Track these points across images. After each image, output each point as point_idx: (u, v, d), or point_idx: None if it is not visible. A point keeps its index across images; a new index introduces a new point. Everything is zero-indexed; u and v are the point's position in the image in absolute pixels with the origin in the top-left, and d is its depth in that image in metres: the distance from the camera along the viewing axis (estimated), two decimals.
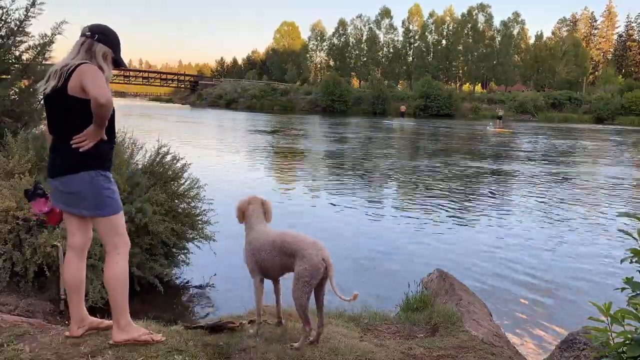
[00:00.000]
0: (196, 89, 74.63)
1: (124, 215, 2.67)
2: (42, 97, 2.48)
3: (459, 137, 28.70)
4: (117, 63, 2.61)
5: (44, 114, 5.93)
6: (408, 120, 44.73)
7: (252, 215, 3.01)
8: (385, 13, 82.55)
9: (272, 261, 2.84)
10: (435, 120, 47.41)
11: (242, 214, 3.02)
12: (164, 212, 4.88)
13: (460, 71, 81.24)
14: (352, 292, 2.69)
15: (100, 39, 2.48)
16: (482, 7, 78.58)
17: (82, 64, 2.37)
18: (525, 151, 21.12)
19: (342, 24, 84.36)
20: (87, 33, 2.47)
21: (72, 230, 2.61)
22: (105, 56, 2.50)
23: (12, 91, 5.61)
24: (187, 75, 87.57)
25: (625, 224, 8.02)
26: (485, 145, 23.81)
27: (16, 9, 5.50)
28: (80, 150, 2.38)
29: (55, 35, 5.69)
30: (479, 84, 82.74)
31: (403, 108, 49.42)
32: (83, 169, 2.42)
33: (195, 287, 5.32)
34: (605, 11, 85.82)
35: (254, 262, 2.90)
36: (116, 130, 2.66)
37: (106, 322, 2.81)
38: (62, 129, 2.44)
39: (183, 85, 78.64)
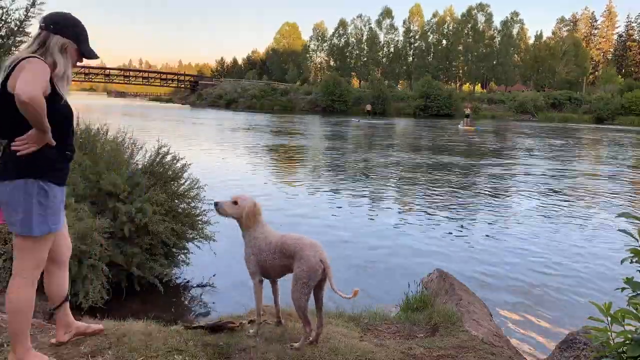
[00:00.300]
0: (196, 89, 74.67)
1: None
2: None
3: (418, 135, 29.57)
4: (84, 54, 2.34)
5: None
6: (372, 118, 46.70)
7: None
8: (387, 13, 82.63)
9: (272, 262, 2.84)
10: (423, 120, 47.38)
11: (244, 217, 2.89)
12: (164, 212, 4.88)
13: (460, 71, 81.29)
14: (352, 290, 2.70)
15: (57, 30, 2.20)
16: (481, 7, 78.66)
17: (26, 57, 2.10)
18: (482, 147, 21.16)
19: (342, 24, 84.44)
20: (41, 24, 2.20)
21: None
22: (64, 49, 2.22)
23: None
24: (187, 75, 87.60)
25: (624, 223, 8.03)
26: (432, 141, 24.61)
27: (16, 9, 5.50)
28: (18, 154, 2.08)
29: None
30: (479, 84, 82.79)
31: (369, 107, 51.83)
32: (19, 176, 2.13)
33: (195, 287, 5.32)
34: (605, 11, 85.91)
35: (255, 263, 2.89)
36: (74, 140, 2.39)
37: (93, 326, 2.76)
38: (2, 130, 2.18)
39: (183, 85, 78.68)
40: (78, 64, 2.38)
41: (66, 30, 2.23)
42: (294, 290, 2.71)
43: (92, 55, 2.38)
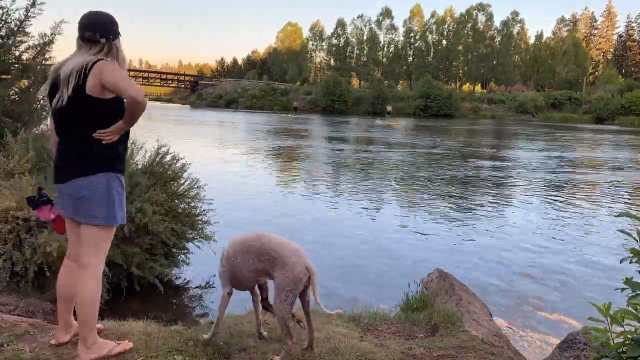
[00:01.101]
0: (196, 89, 74.65)
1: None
2: (45, 98, 2.35)
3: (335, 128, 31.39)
4: None
5: (44, 114, 5.98)
6: (300, 114, 49.31)
7: None
8: (387, 13, 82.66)
9: (246, 267, 2.64)
10: (424, 119, 47.42)
11: None
12: (164, 212, 4.88)
13: (460, 71, 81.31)
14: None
15: (115, 37, 2.35)
16: (481, 7, 78.67)
17: (98, 61, 2.24)
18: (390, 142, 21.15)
19: (340, 24, 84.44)
20: (101, 40, 2.29)
21: (75, 239, 2.45)
22: (121, 47, 2.40)
23: (12, 91, 5.62)
24: (187, 75, 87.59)
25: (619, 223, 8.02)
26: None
27: (16, 9, 5.51)
28: (104, 142, 2.27)
29: (54, 35, 5.70)
30: (479, 84, 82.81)
31: (295, 104, 54.47)
32: (100, 170, 2.29)
33: (195, 287, 5.32)
34: (605, 11, 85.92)
35: (228, 269, 2.70)
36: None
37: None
38: (76, 131, 2.30)
39: (183, 85, 78.68)
40: None
41: (116, 32, 2.37)
42: (277, 299, 2.51)
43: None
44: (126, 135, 2.45)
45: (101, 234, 2.36)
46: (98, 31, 2.29)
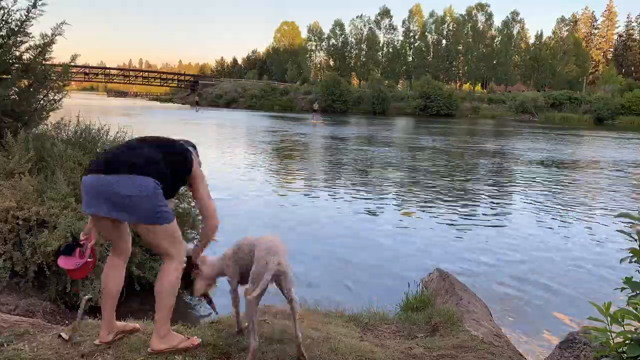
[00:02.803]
0: (196, 88, 74.67)
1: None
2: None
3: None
4: None
5: (44, 114, 5.98)
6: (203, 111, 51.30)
7: None
8: (385, 13, 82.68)
9: (245, 261, 2.74)
10: (425, 119, 47.39)
11: None
12: None
13: (460, 71, 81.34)
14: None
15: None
16: (481, 7, 78.70)
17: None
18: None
19: (338, 24, 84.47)
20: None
21: (119, 235, 2.55)
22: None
23: (13, 91, 5.62)
24: (187, 75, 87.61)
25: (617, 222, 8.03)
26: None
27: (17, 10, 5.51)
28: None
29: (55, 35, 5.70)
30: (479, 84, 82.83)
31: (197, 98, 61.76)
32: (151, 174, 2.37)
33: None
34: (605, 11, 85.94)
35: (234, 262, 2.85)
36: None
37: (130, 325, 2.79)
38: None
39: (183, 85, 78.68)
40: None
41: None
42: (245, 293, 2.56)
43: None
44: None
45: (167, 231, 2.48)
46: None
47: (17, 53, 5.73)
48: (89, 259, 2.57)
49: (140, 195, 2.30)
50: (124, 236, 2.60)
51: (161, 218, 2.38)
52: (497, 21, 79.31)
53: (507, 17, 78.15)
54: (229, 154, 16.81)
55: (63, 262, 2.54)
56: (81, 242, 2.59)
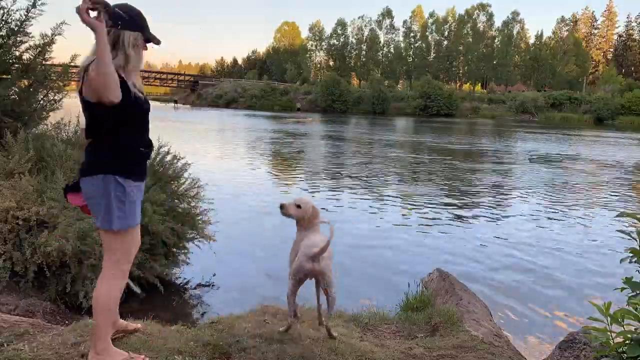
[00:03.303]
0: (196, 88, 74.62)
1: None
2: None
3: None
4: (149, 40, 2.32)
5: (43, 114, 5.98)
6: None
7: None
8: (387, 13, 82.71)
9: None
10: (424, 118, 47.40)
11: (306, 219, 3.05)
12: (164, 211, 4.88)
13: (461, 71, 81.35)
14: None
15: (125, 26, 2.15)
16: (482, 7, 78.71)
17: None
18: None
19: (340, 24, 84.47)
20: (107, 21, 2.06)
21: None
22: (135, 43, 2.20)
23: (12, 91, 5.61)
24: (187, 75, 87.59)
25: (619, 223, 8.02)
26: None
27: (17, 10, 5.51)
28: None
29: (55, 35, 5.69)
30: (479, 84, 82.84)
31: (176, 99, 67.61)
32: (98, 171, 2.20)
33: (195, 287, 5.32)
34: (605, 11, 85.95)
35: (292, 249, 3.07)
36: (152, 138, 2.45)
37: (132, 325, 2.76)
38: (87, 131, 2.26)
39: (183, 85, 78.64)
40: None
41: (133, 23, 2.18)
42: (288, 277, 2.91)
43: (156, 41, 2.35)
44: (137, 133, 2.32)
45: (105, 239, 2.30)
46: (112, 12, 2.09)
47: (17, 53, 5.72)
48: None
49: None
50: None
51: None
52: (498, 21, 79.36)
53: (507, 17, 78.21)
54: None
55: (72, 199, 2.42)
56: None
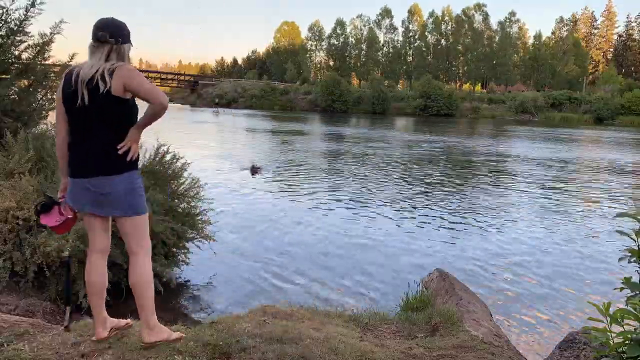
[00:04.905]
0: (196, 88, 74.56)
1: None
2: (63, 98, 2.43)
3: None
4: None
5: (43, 114, 5.98)
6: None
7: None
8: (386, 13, 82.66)
9: None
10: (424, 118, 47.38)
11: None
12: (163, 212, 4.88)
13: (460, 71, 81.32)
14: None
15: (124, 40, 2.50)
16: (478, 7, 78.69)
17: (121, 66, 2.42)
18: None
19: (339, 23, 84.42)
20: (110, 40, 2.42)
21: (98, 232, 2.59)
22: (129, 50, 2.58)
23: (12, 91, 5.61)
24: (187, 75, 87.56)
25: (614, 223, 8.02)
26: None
27: (16, 9, 5.50)
28: (129, 157, 2.43)
29: (54, 34, 5.69)
30: (479, 84, 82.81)
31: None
32: (126, 169, 2.45)
33: (195, 287, 5.32)
34: (605, 11, 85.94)
35: None
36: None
37: (124, 321, 2.82)
38: (99, 130, 2.42)
39: (183, 85, 78.61)
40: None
41: (127, 37, 2.53)
42: None
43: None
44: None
45: (136, 224, 2.53)
46: (109, 32, 2.42)
47: (17, 52, 5.72)
48: (69, 216, 2.60)
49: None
50: (102, 232, 2.63)
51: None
52: (496, 21, 79.34)
53: (505, 17, 78.18)
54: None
55: (45, 220, 2.61)
56: (60, 200, 2.63)
